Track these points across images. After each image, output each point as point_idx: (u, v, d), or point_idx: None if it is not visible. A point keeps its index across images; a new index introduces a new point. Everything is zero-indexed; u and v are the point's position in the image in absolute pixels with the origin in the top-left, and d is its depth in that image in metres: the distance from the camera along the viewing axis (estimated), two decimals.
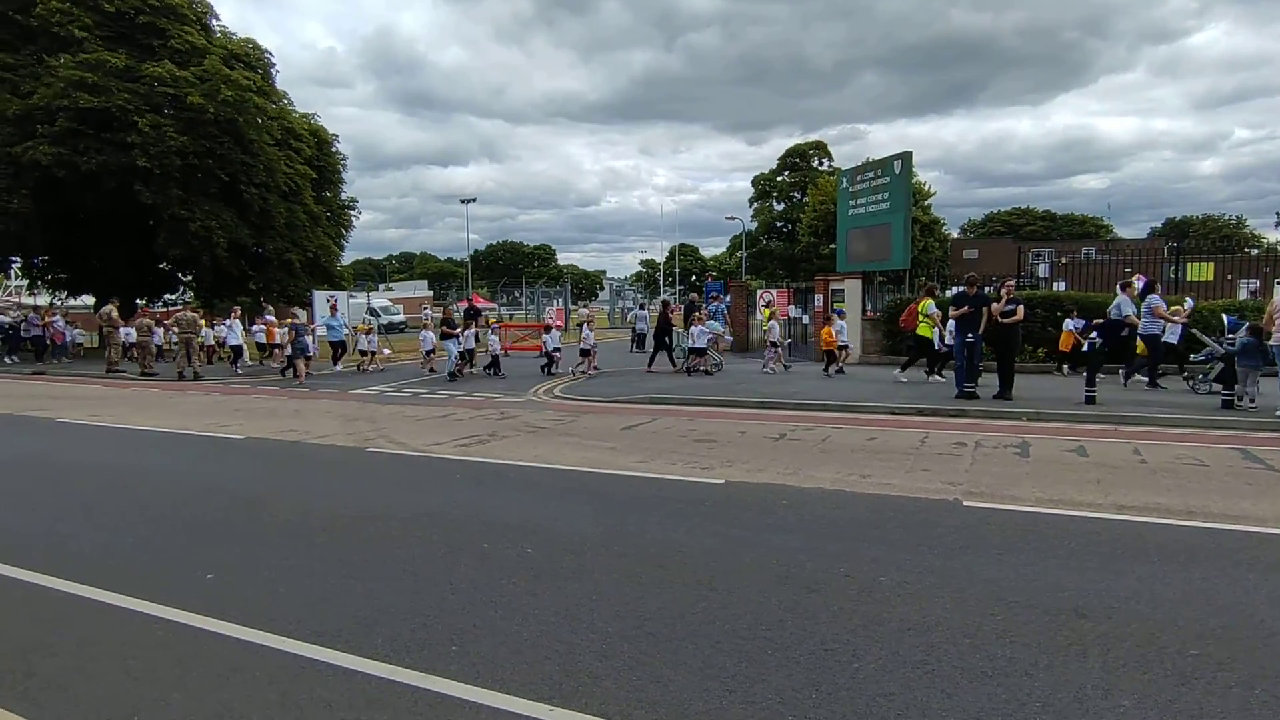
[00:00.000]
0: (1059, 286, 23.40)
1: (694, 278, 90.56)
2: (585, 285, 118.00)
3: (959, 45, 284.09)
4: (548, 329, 19.60)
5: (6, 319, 27.04)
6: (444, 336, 18.34)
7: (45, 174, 23.37)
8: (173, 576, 5.00)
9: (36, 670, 3.74)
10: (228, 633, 4.10)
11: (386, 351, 21.80)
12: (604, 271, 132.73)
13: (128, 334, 22.21)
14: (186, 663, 3.78)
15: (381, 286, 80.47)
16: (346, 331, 21.71)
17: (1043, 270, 27.66)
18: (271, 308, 24.81)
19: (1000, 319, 11.93)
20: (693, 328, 17.21)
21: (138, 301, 30.85)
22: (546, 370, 18.39)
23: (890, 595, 4.44)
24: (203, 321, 22.88)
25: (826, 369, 16.62)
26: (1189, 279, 21.28)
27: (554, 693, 3.41)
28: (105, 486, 7.62)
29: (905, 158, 18.53)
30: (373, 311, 35.63)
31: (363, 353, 20.07)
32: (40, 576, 5.02)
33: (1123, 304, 13.39)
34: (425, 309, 34.78)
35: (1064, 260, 29.32)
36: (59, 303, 33.35)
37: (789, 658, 3.70)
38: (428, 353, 19.87)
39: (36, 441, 10.51)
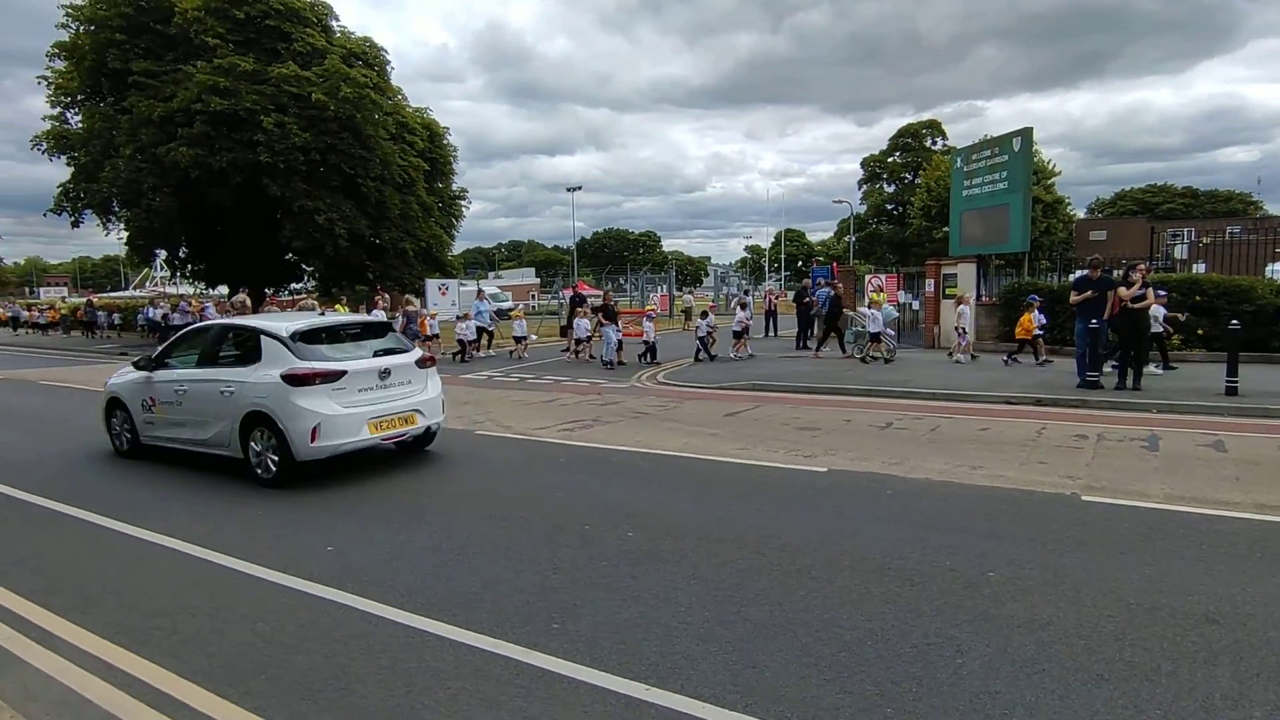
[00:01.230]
0: (1199, 268, 21.37)
1: (800, 263, 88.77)
2: (690, 272, 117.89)
3: (1089, 12, 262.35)
4: (649, 317, 19.61)
5: (156, 312, 29.79)
6: (601, 324, 18.18)
7: (183, 173, 25.52)
8: (296, 547, 5.45)
9: (179, 628, 4.18)
10: (345, 602, 4.44)
11: (533, 337, 22.52)
12: (709, 258, 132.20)
13: None
14: (308, 627, 4.13)
15: (491, 274, 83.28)
16: (490, 318, 22.36)
17: (1180, 251, 25.37)
18: (387, 295, 26.24)
19: (1130, 304, 11.09)
20: (869, 310, 16.84)
21: (265, 291, 33.21)
22: (646, 359, 18.33)
23: (999, 591, 4.28)
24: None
25: (1017, 358, 15.35)
26: None
27: (651, 673, 3.51)
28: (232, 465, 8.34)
29: (1026, 134, 17.45)
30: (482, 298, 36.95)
31: (517, 339, 20.75)
32: (178, 543, 5.60)
33: None
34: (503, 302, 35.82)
35: (1205, 240, 26.75)
36: (211, 292, 36.49)
37: (889, 649, 3.65)
38: (518, 339, 20.69)
39: None
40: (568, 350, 19.70)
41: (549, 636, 3.91)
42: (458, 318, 21.11)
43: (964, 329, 16.39)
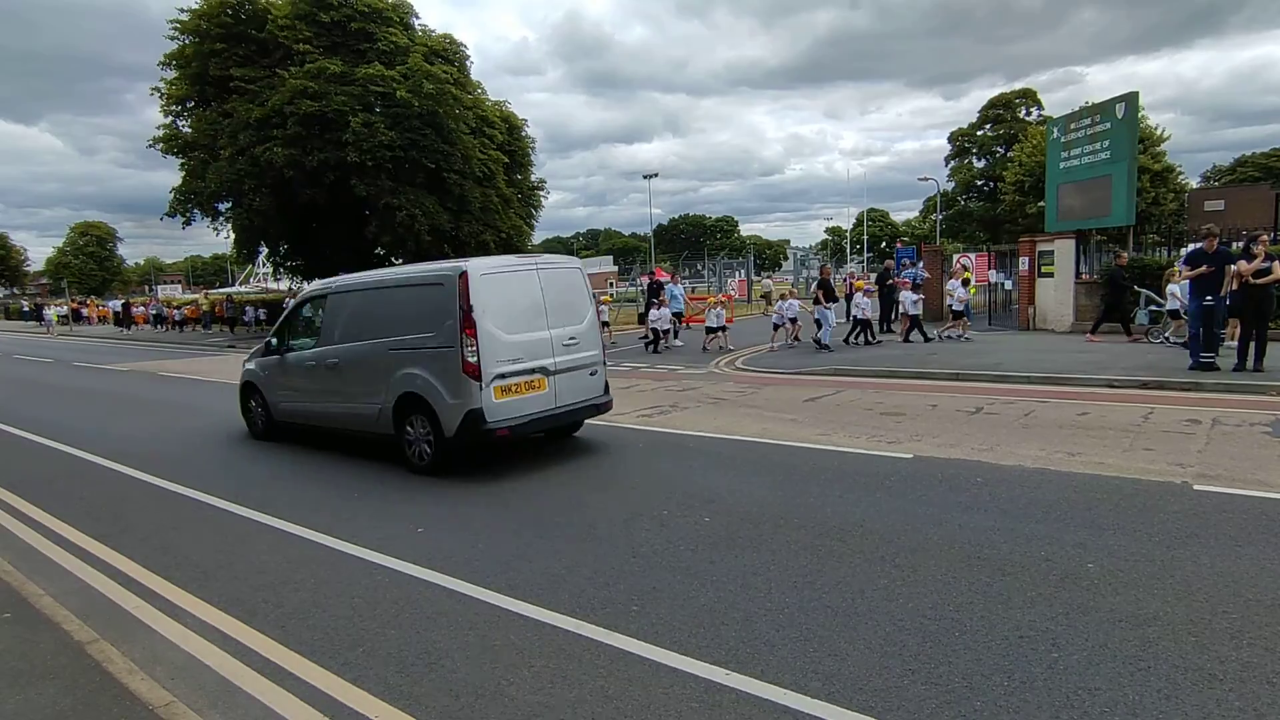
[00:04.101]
0: None
1: (884, 244, 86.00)
2: (768, 256, 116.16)
3: None
4: (719, 304, 19.18)
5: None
6: (817, 301, 16.48)
7: (279, 173, 26.86)
8: (389, 529, 5.70)
9: (284, 602, 4.45)
10: (435, 581, 4.62)
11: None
12: (788, 241, 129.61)
13: None
14: (401, 604, 4.32)
15: None
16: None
17: None
18: None
19: (1252, 279, 10.25)
20: (955, 285, 16.31)
21: None
22: (654, 345, 18.11)
23: (1098, 583, 4.07)
24: None
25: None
26: None
27: (730, 658, 3.51)
28: (337, 447, 8.77)
29: (1130, 99, 16.33)
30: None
31: (604, 325, 20.57)
32: (284, 523, 5.95)
33: None
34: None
35: None
36: (297, 286, 38.41)
37: (977, 641, 3.53)
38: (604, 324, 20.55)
39: None
40: (645, 339, 19.27)
41: (629, 619, 3.96)
42: None
43: (956, 310, 16.37)
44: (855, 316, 16.61)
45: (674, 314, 19.04)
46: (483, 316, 6.97)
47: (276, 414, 9.32)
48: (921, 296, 17.19)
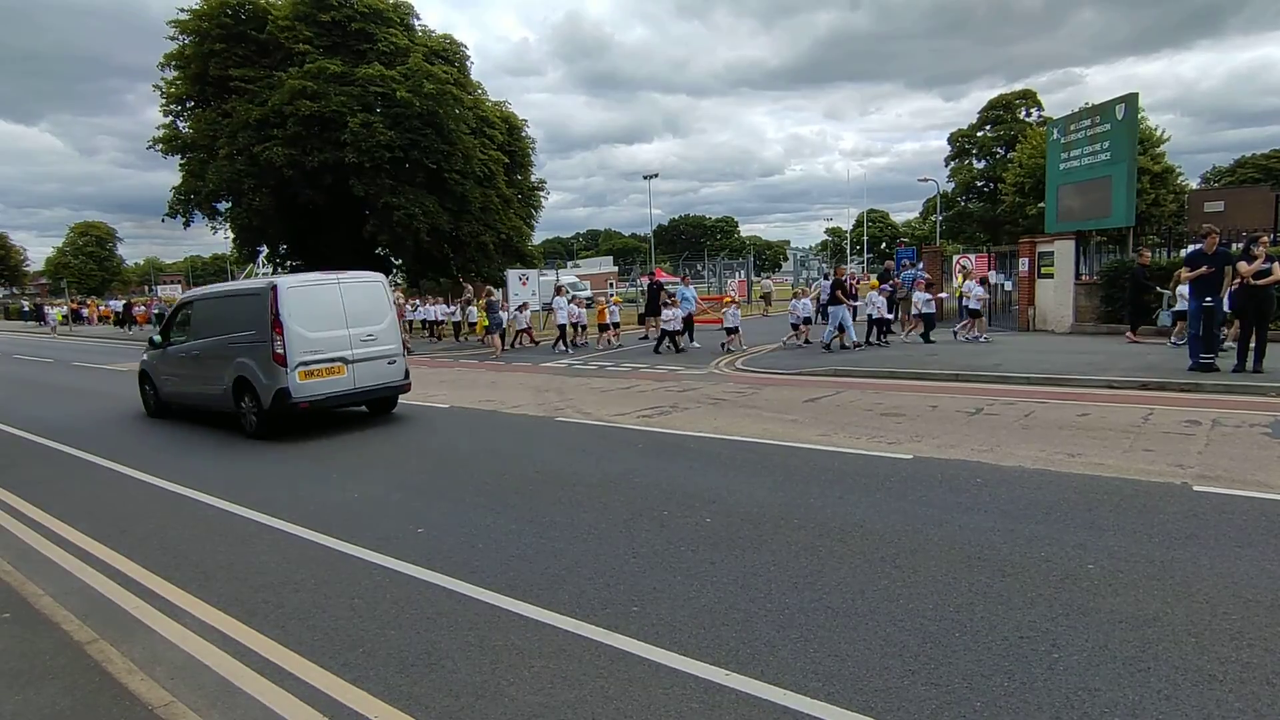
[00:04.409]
0: None
1: (884, 245, 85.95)
2: (768, 256, 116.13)
3: None
4: (734, 303, 18.93)
5: None
6: (834, 302, 15.86)
7: (278, 173, 26.89)
8: (389, 529, 5.70)
9: (285, 603, 4.45)
10: (435, 581, 4.62)
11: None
12: (788, 242, 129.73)
13: None
14: (401, 605, 4.32)
15: (570, 264, 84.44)
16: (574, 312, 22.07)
17: None
18: (471, 287, 26.98)
19: (1253, 280, 10.25)
20: (972, 286, 16.23)
21: None
22: (670, 346, 17.90)
23: (1098, 584, 4.07)
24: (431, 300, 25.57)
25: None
26: None
27: (730, 659, 3.51)
28: (336, 448, 8.77)
29: (1130, 100, 16.34)
30: (560, 289, 37.45)
31: (615, 325, 20.36)
32: (284, 524, 5.94)
33: None
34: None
35: None
36: None
37: (978, 642, 3.53)
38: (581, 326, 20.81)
39: None
40: (658, 340, 18.64)
41: (629, 619, 3.96)
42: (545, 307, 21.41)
43: (974, 309, 16.01)
44: (870, 316, 16.47)
45: (686, 316, 18.41)
46: (289, 319, 9.19)
47: (162, 395, 11.60)
48: (932, 296, 17.16)
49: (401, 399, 11.27)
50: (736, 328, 17.65)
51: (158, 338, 11.67)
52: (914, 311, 17.01)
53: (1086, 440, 7.30)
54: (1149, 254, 15.41)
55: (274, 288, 9.28)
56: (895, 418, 8.87)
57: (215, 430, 10.29)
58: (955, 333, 16.62)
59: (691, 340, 18.68)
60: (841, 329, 15.73)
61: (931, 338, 16.33)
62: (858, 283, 20.61)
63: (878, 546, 4.79)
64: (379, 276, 10.75)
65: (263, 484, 7.30)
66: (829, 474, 6.60)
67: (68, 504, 6.79)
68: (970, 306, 16.55)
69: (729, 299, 20.67)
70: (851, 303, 16.04)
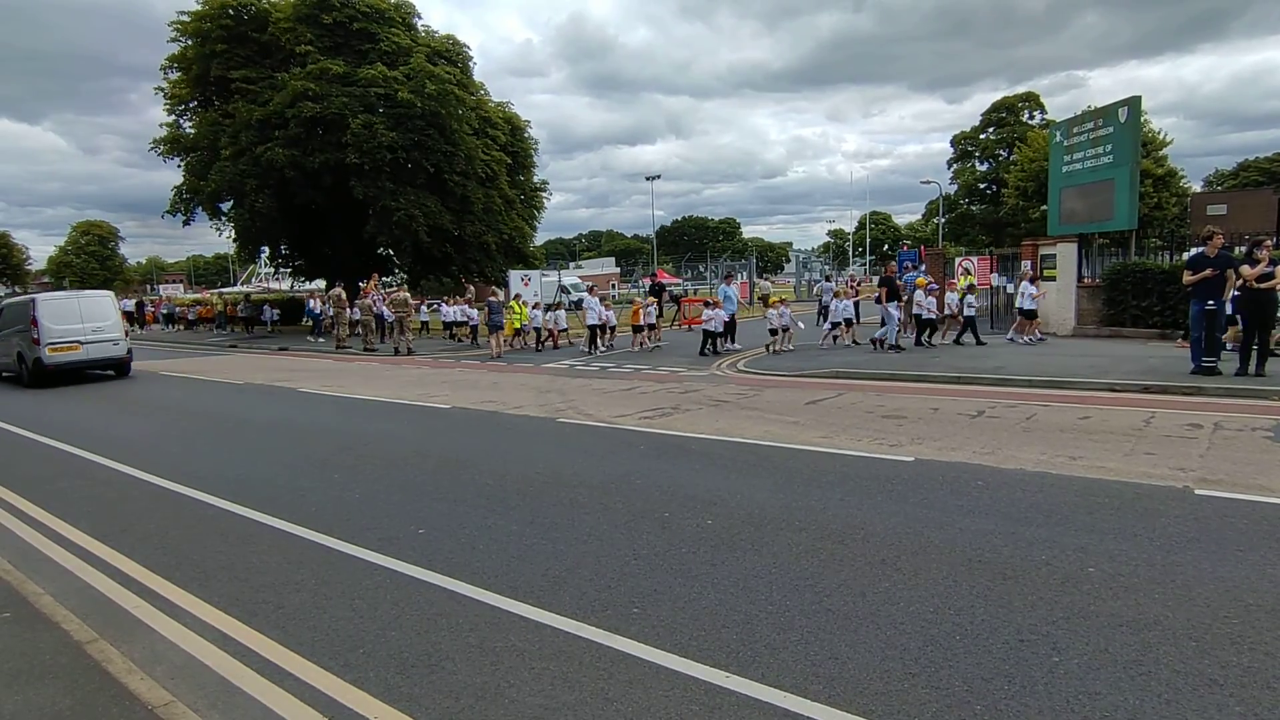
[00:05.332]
0: None
1: (886, 247, 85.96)
2: (771, 258, 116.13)
3: None
4: (707, 304, 18.49)
5: (315, 304, 30.86)
6: (880, 300, 15.96)
7: (280, 174, 26.90)
8: (390, 529, 5.70)
9: (285, 603, 4.45)
10: (435, 582, 4.62)
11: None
12: (790, 243, 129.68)
13: (353, 313, 25.12)
14: (401, 605, 4.32)
15: (572, 265, 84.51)
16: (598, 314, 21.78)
17: None
18: (472, 288, 26.98)
19: (1255, 283, 10.24)
20: (1026, 286, 15.98)
21: (360, 284, 34.62)
22: (711, 348, 17.32)
23: (1099, 587, 4.06)
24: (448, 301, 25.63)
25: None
26: None
27: (731, 660, 3.51)
28: (337, 448, 8.76)
29: (1133, 103, 16.33)
30: (563, 289, 37.49)
31: (650, 327, 19.96)
32: (286, 524, 5.94)
33: None
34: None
35: None
36: (308, 285, 38.58)
37: (979, 645, 3.52)
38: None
39: (283, 408, 12.33)
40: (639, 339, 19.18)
41: (629, 621, 3.96)
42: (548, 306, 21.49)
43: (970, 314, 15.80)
44: (918, 316, 16.22)
45: (728, 317, 17.67)
46: (42, 318, 15.92)
47: None
48: (931, 297, 17.01)
49: (402, 399, 11.65)
50: (787, 326, 16.89)
51: None
52: (916, 312, 16.94)
53: (1088, 443, 7.29)
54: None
55: (34, 300, 16.58)
56: (897, 420, 8.87)
57: (215, 430, 10.30)
58: (1011, 338, 16.18)
59: (732, 342, 18.04)
60: (882, 326, 15.68)
61: (982, 339, 16.03)
62: (860, 285, 20.58)
63: (879, 549, 4.79)
64: (108, 294, 18.27)
65: (263, 484, 7.30)
66: (830, 476, 6.59)
67: (67, 503, 6.80)
68: (1024, 307, 16.02)
69: (775, 299, 20.23)
70: (889, 303, 15.75)
